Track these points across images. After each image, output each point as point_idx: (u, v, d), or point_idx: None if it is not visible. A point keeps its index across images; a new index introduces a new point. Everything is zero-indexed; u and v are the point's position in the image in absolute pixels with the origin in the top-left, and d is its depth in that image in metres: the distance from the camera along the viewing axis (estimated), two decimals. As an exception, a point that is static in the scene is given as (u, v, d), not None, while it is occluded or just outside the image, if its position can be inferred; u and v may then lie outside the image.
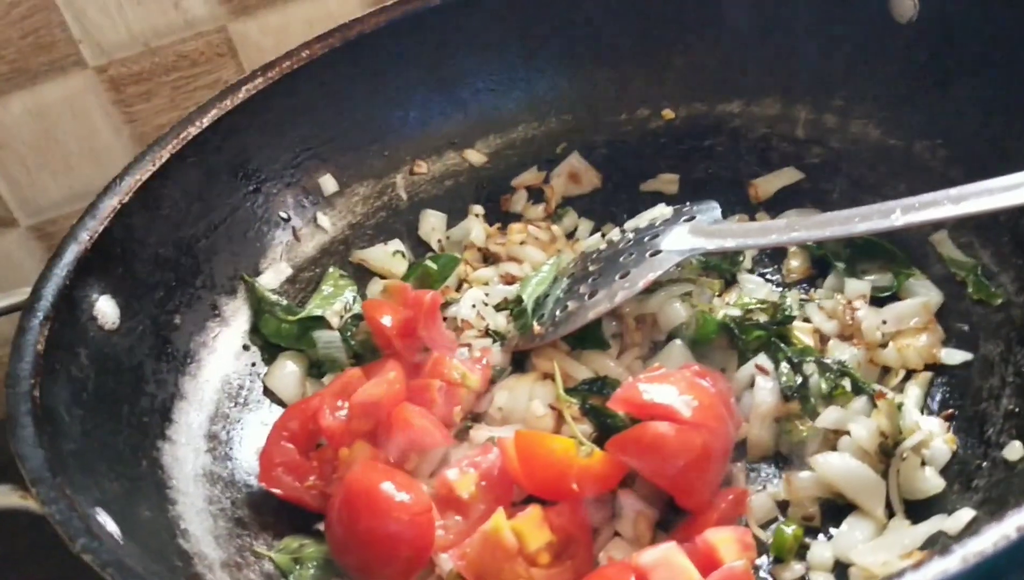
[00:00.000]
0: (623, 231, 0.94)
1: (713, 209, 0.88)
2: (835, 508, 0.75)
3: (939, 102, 0.91)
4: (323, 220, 1.01)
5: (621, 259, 0.87)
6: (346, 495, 0.74)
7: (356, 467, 0.76)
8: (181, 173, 0.90)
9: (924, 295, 0.85)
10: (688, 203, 0.92)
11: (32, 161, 1.12)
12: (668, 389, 0.75)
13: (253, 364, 0.92)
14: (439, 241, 1.03)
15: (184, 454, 0.81)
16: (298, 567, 0.76)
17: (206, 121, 0.92)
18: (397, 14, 1.01)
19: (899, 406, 0.75)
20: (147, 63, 1.11)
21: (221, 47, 1.12)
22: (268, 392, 0.91)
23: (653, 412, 0.74)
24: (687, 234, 0.85)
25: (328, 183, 1.02)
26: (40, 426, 0.66)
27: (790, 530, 0.73)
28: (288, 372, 0.92)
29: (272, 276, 0.97)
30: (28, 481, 0.62)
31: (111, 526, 0.64)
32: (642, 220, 0.93)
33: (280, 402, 0.91)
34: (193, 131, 0.91)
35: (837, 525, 0.74)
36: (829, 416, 0.77)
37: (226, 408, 0.88)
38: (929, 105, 0.92)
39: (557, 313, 0.87)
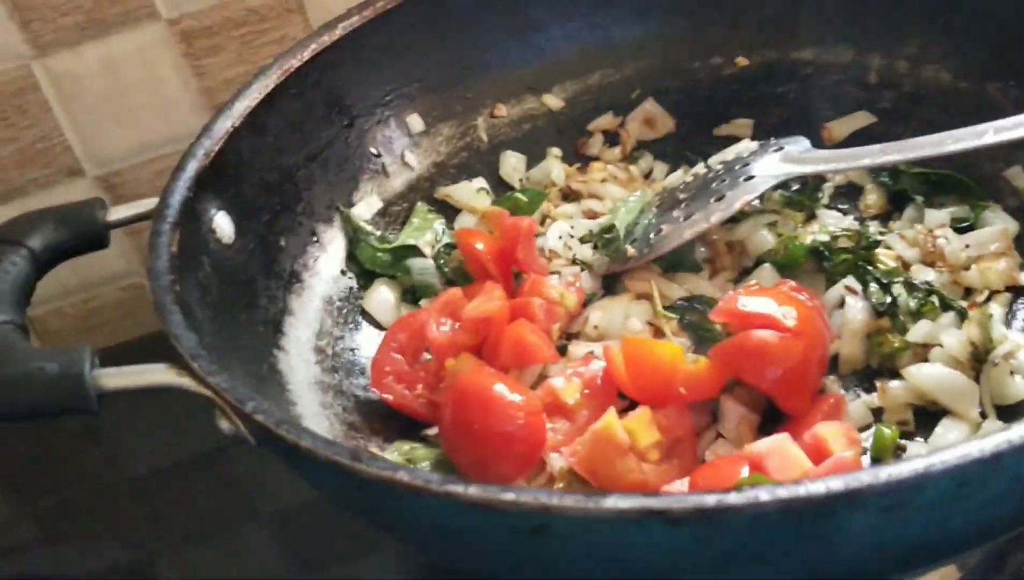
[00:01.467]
0: (708, 166, 0.97)
1: (801, 141, 0.91)
2: (928, 415, 0.79)
3: (1009, 43, 0.94)
4: (410, 157, 1.05)
5: (714, 185, 0.90)
6: (460, 396, 0.77)
7: (468, 371, 0.79)
8: (284, 103, 0.93)
9: (1001, 224, 0.89)
10: (772, 139, 0.95)
11: (100, 111, 1.14)
12: (767, 301, 0.78)
13: (351, 288, 0.96)
14: (520, 181, 1.06)
15: (296, 363, 0.85)
16: (412, 466, 0.79)
17: (307, 55, 0.95)
18: (483, -44, 1.04)
19: (990, 316, 0.78)
20: (217, 17, 1.13)
21: (290, 3, 1.14)
22: (366, 315, 0.95)
23: (754, 322, 0.77)
24: (778, 161, 0.88)
25: (415, 122, 1.05)
26: (186, 315, 0.69)
27: (888, 431, 0.76)
28: (384, 298, 0.95)
29: (364, 208, 1.00)
30: (188, 357, 0.65)
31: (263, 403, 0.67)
32: (728, 154, 0.96)
33: (378, 325, 0.94)
34: (295, 63, 0.95)
35: (930, 432, 0.78)
36: (920, 329, 0.81)
37: (329, 326, 0.91)
38: (1000, 46, 0.95)
39: (651, 236, 0.90)
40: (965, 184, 0.93)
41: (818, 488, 0.49)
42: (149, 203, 0.81)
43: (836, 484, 0.49)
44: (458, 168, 1.07)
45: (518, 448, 0.76)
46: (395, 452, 0.81)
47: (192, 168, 0.83)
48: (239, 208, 0.87)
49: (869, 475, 0.49)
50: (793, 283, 0.82)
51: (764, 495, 0.49)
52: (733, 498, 0.49)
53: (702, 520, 0.50)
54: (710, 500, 0.49)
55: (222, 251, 0.83)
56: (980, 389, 0.77)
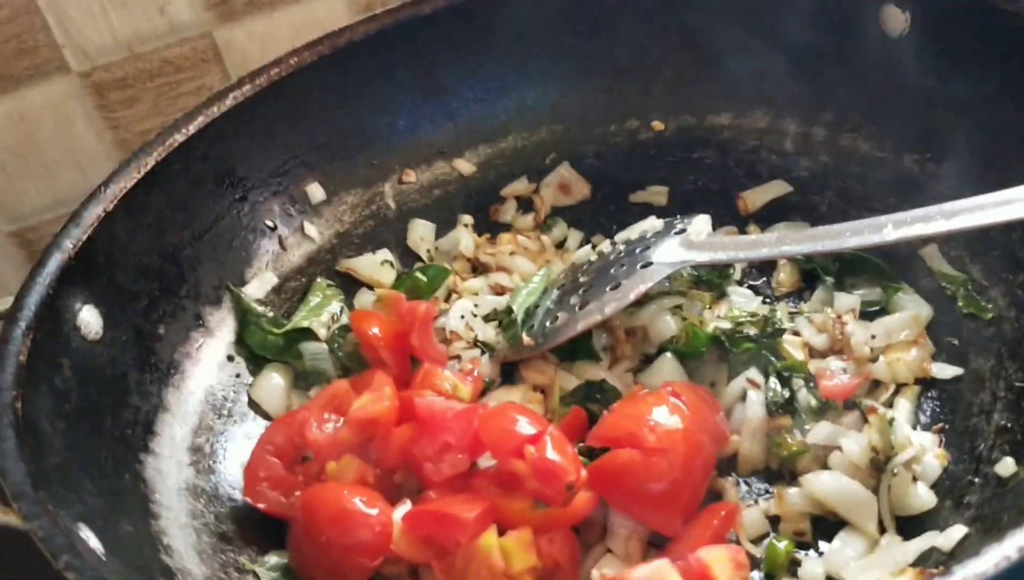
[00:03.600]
0: (613, 243, 0.93)
1: (703, 222, 0.88)
2: (827, 523, 0.75)
3: (928, 116, 0.91)
4: (310, 229, 1.00)
5: (612, 271, 0.86)
6: (309, 508, 0.74)
7: (317, 486, 0.76)
8: (166, 181, 0.89)
9: (913, 309, 0.85)
10: (678, 216, 0.91)
11: (13, 167, 1.10)
12: (636, 415, 0.74)
13: (238, 375, 0.91)
14: (428, 251, 1.02)
15: (167, 467, 0.80)
16: (283, 582, 0.75)
17: (192, 128, 0.91)
18: (387, 22, 1.00)
19: (890, 421, 0.75)
20: (131, 68, 1.09)
21: (206, 53, 1.11)
22: (253, 404, 0.90)
23: (622, 441, 0.73)
24: (678, 246, 0.84)
25: (316, 191, 1.01)
26: (22, 439, 0.65)
27: (782, 545, 0.73)
28: (274, 384, 0.91)
29: (258, 286, 0.96)
30: (10, 496, 0.60)
31: (94, 542, 0.62)
32: (632, 232, 0.92)
33: (265, 415, 0.90)
34: (179, 138, 0.90)
35: (829, 540, 0.74)
36: (820, 432, 0.77)
37: (210, 420, 0.87)
38: (918, 119, 0.92)
39: (547, 324, 0.86)
40: (878, 265, 0.89)
41: None
42: (6, 302, 0.77)
43: None
44: (363, 238, 1.02)
45: (366, 560, 0.72)
46: (265, 566, 0.76)
47: (55, 262, 0.78)
48: (111, 299, 0.83)
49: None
50: (679, 384, 0.78)
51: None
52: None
53: None
54: None
55: (87, 349, 0.79)
56: (880, 499, 0.73)
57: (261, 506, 0.79)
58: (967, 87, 0.88)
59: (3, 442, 0.64)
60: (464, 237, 1.02)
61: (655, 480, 0.71)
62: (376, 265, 1.00)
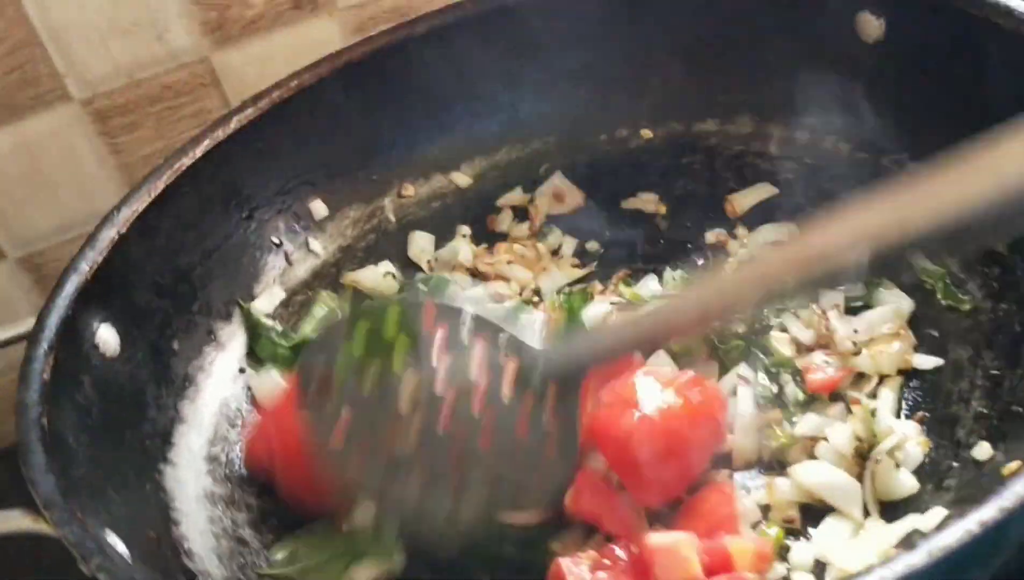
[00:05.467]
0: None
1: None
2: (815, 510, 0.79)
3: (905, 118, 0.94)
4: (314, 244, 1.04)
5: None
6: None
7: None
8: (176, 203, 0.93)
9: (895, 303, 0.89)
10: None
11: (19, 194, 1.13)
12: (651, 384, 0.77)
13: (249, 387, 0.95)
14: (428, 262, 1.06)
15: (185, 476, 0.84)
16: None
17: (199, 151, 0.95)
18: (383, 43, 1.04)
19: (872, 412, 0.78)
20: (132, 95, 1.13)
21: (204, 77, 1.14)
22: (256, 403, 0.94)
23: (629, 403, 0.75)
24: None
25: (319, 208, 1.05)
26: (50, 452, 0.69)
27: (772, 532, 0.76)
28: (273, 379, 0.94)
29: (266, 300, 0.99)
30: (41, 505, 0.64)
31: (120, 547, 0.66)
32: None
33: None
34: (187, 161, 0.94)
35: (817, 526, 0.78)
36: (807, 423, 0.81)
37: (224, 431, 0.91)
38: (895, 121, 0.95)
39: None
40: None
41: None
42: (27, 323, 0.81)
43: None
44: (366, 251, 1.06)
45: None
46: (280, 553, 0.80)
47: (72, 285, 0.82)
48: (127, 317, 0.87)
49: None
50: (692, 374, 0.82)
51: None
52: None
53: None
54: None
55: (106, 365, 0.83)
56: (864, 485, 0.77)
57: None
58: (940, 91, 0.91)
59: (32, 455, 0.67)
60: (463, 248, 1.06)
61: (648, 445, 0.73)
62: (379, 277, 1.04)
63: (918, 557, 0.47)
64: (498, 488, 0.73)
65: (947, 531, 0.48)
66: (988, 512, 0.48)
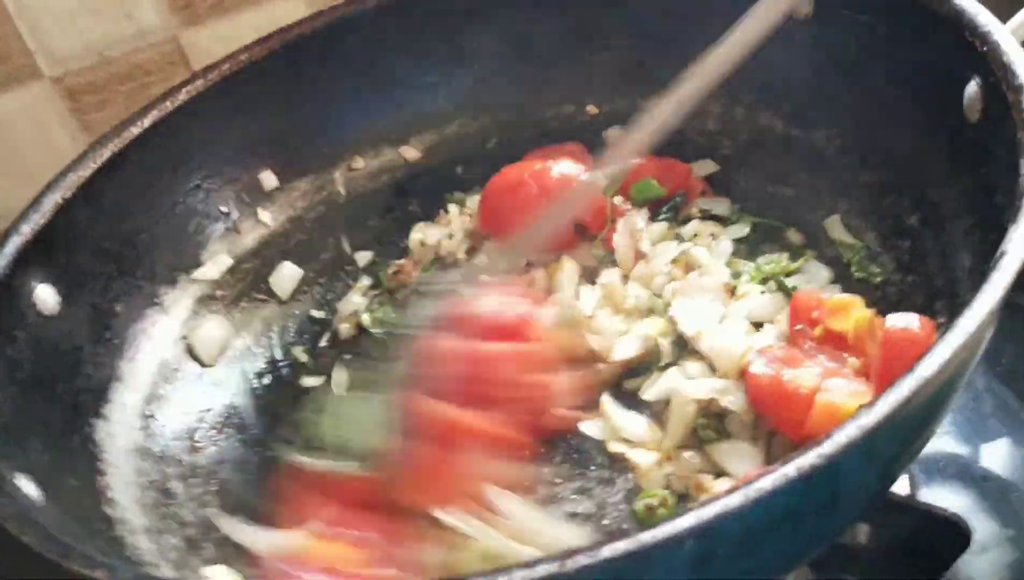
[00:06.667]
0: None
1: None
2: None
3: (833, 94, 0.96)
4: (263, 214, 1.07)
5: None
6: None
7: None
8: (123, 170, 0.96)
9: (814, 273, 0.90)
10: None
11: (-11, 168, 1.17)
12: None
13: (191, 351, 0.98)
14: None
15: (117, 431, 0.87)
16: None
17: (147, 121, 0.98)
18: (333, 18, 1.07)
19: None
20: (102, 73, 1.16)
21: (173, 56, 1.18)
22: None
23: None
24: None
25: (268, 179, 1.08)
26: (-29, 398, 0.72)
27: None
28: (213, 334, 0.98)
29: (212, 267, 1.03)
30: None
31: (30, 489, 0.69)
32: None
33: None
34: (135, 131, 0.97)
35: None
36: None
37: (161, 390, 0.94)
38: (825, 97, 0.97)
39: None
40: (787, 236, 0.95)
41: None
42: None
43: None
44: (314, 222, 1.09)
45: None
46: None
47: (13, 246, 0.86)
48: (68, 279, 0.90)
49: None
50: None
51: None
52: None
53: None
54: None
55: (43, 323, 0.86)
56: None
57: None
58: (866, 68, 0.92)
59: (-49, 400, 0.71)
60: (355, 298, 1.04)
61: None
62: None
63: (735, 499, 0.49)
64: None
65: (766, 477, 0.50)
66: (807, 459, 0.50)
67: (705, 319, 0.83)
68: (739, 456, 0.76)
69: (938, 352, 0.53)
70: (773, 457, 0.76)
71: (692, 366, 0.83)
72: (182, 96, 1.01)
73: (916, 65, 0.86)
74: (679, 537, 0.49)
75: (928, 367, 0.53)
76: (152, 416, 0.91)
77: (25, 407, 0.79)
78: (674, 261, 0.90)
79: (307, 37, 1.06)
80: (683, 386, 0.79)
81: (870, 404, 0.52)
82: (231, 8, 1.18)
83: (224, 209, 1.05)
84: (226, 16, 1.18)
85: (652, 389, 0.82)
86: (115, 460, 0.85)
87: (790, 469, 0.50)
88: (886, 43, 0.89)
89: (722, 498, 0.49)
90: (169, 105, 1.00)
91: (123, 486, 0.82)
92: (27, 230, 0.88)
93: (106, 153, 0.95)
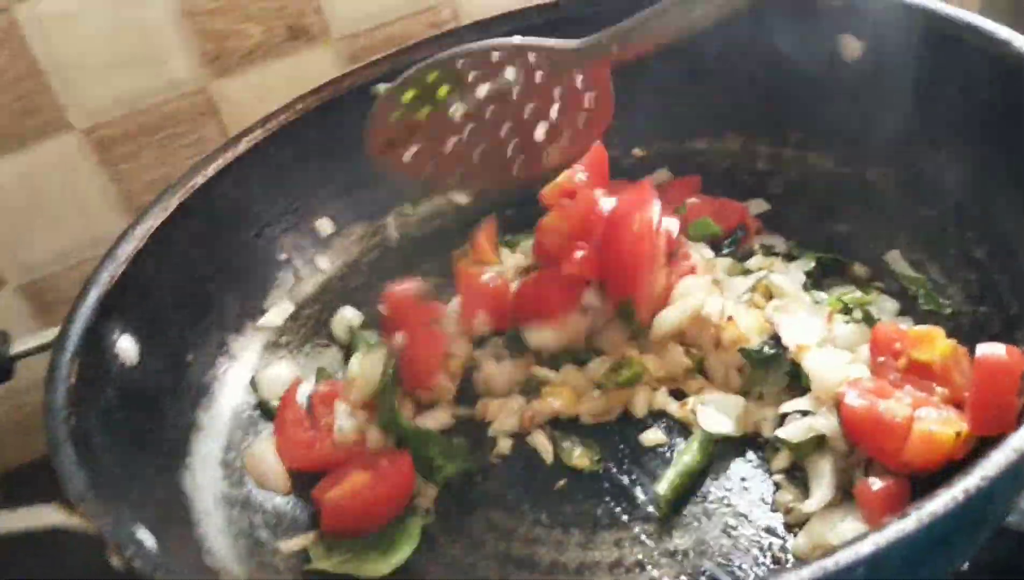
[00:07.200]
0: None
1: None
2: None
3: (886, 133, 0.99)
4: (321, 260, 1.08)
5: None
6: None
7: None
8: (189, 220, 0.97)
9: (883, 306, 0.93)
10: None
11: (23, 223, 1.16)
12: None
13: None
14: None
15: (202, 480, 0.87)
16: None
17: (211, 171, 0.99)
18: (384, 68, 1.08)
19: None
20: (132, 124, 1.16)
21: (203, 106, 1.18)
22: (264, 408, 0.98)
23: None
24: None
25: (325, 225, 1.09)
26: (78, 450, 0.72)
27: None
28: (280, 377, 0.99)
29: (276, 314, 1.03)
30: (74, 498, 0.67)
31: (150, 541, 0.69)
32: None
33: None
34: (199, 180, 0.98)
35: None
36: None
37: (238, 438, 0.94)
38: (878, 136, 1.00)
39: None
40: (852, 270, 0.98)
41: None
42: (52, 333, 0.84)
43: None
44: (370, 266, 1.10)
45: None
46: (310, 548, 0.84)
47: (94, 295, 0.86)
48: (145, 328, 0.90)
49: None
50: None
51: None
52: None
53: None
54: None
55: (127, 374, 0.86)
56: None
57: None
58: (917, 106, 0.96)
59: (63, 452, 0.71)
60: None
61: None
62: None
63: (909, 523, 0.50)
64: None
65: (935, 499, 0.51)
66: (972, 481, 0.52)
67: (808, 334, 0.84)
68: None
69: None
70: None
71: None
72: (242, 145, 1.02)
73: (971, 101, 0.89)
74: (853, 564, 0.50)
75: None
76: (231, 465, 0.91)
77: (122, 459, 0.79)
78: (752, 289, 0.91)
79: (358, 87, 1.08)
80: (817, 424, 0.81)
81: (1022, 427, 0.54)
82: (259, 59, 1.19)
83: (284, 256, 1.06)
84: (255, 67, 1.19)
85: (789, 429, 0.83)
86: (205, 509, 0.84)
87: (958, 491, 0.52)
88: (939, 82, 0.92)
89: (894, 524, 0.51)
90: (231, 155, 1.01)
91: (218, 536, 0.82)
92: (106, 279, 0.88)
93: (174, 202, 0.96)
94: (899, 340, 0.82)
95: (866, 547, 0.50)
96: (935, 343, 0.81)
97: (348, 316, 1.05)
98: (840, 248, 1.00)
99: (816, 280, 0.97)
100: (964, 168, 0.92)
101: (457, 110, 0.88)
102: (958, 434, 0.74)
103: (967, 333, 0.86)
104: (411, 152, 0.91)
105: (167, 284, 0.94)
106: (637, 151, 1.14)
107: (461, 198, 1.14)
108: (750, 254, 1.01)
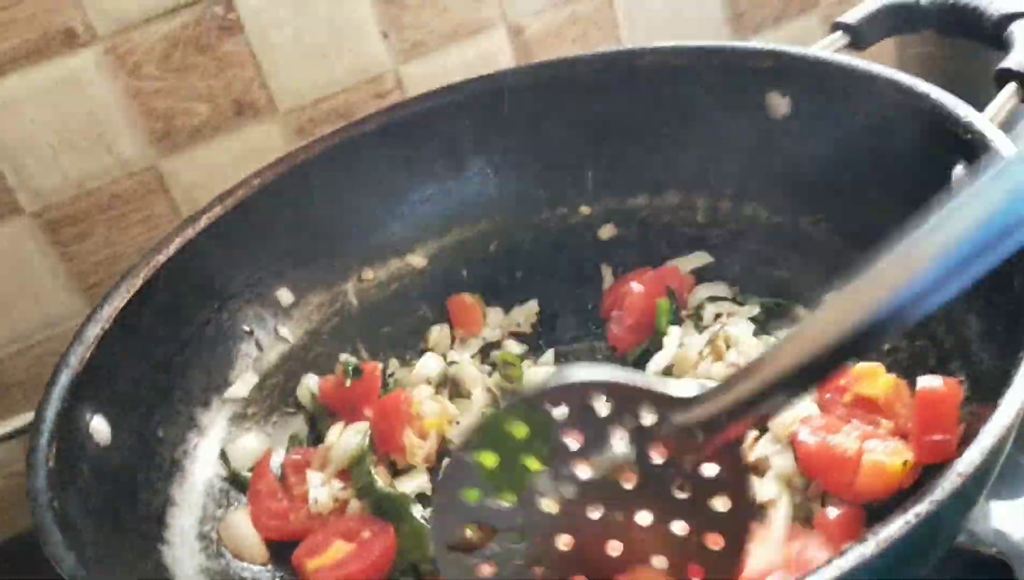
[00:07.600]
0: None
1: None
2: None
3: (817, 183, 1.06)
4: (283, 330, 1.10)
5: None
6: None
7: None
8: (153, 298, 0.98)
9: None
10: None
11: (-30, 307, 1.16)
12: None
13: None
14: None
15: (181, 555, 0.88)
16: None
17: (172, 248, 1.01)
18: (336, 140, 1.12)
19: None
20: (82, 204, 1.18)
21: (152, 184, 1.21)
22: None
23: None
24: None
25: (285, 296, 1.11)
26: (64, 532, 0.73)
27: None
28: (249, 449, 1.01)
29: (241, 385, 1.05)
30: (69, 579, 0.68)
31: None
32: None
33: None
34: (161, 258, 1.00)
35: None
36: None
37: (212, 510, 0.95)
38: (808, 186, 1.06)
39: None
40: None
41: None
42: (26, 417, 0.85)
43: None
44: (331, 333, 1.13)
45: None
46: None
47: (65, 378, 0.87)
48: (115, 408, 0.91)
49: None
50: None
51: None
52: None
53: None
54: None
55: (101, 454, 0.87)
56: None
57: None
58: (846, 157, 1.02)
59: (51, 535, 0.72)
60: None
61: None
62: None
63: (869, 547, 0.55)
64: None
65: (890, 524, 0.56)
66: (923, 505, 0.56)
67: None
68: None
69: (1010, 398, 0.61)
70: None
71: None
72: (203, 222, 1.04)
73: (898, 153, 0.95)
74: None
75: (1006, 414, 0.60)
76: (208, 537, 0.92)
77: (103, 538, 0.80)
78: (709, 343, 0.96)
79: (312, 160, 1.11)
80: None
81: (963, 454, 0.59)
82: (208, 136, 1.22)
83: (247, 328, 1.08)
84: (203, 144, 1.22)
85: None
86: (187, 584, 0.85)
87: (910, 516, 0.56)
88: (866, 135, 0.99)
89: (856, 548, 0.55)
90: (191, 232, 1.03)
91: (201, 608, 0.83)
92: (75, 362, 0.89)
93: (138, 282, 0.98)
94: (843, 377, 0.88)
95: (830, 572, 0.54)
96: (877, 378, 0.86)
97: (311, 384, 1.08)
98: (782, 293, 1.05)
99: (762, 325, 1.03)
100: (890, 213, 0.97)
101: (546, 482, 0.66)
102: (905, 463, 0.79)
103: (906, 367, 0.92)
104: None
105: (134, 362, 0.96)
106: (583, 209, 1.19)
107: (418, 261, 1.18)
108: (700, 307, 1.06)
